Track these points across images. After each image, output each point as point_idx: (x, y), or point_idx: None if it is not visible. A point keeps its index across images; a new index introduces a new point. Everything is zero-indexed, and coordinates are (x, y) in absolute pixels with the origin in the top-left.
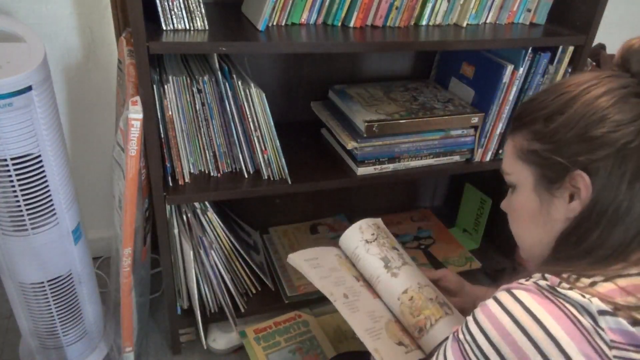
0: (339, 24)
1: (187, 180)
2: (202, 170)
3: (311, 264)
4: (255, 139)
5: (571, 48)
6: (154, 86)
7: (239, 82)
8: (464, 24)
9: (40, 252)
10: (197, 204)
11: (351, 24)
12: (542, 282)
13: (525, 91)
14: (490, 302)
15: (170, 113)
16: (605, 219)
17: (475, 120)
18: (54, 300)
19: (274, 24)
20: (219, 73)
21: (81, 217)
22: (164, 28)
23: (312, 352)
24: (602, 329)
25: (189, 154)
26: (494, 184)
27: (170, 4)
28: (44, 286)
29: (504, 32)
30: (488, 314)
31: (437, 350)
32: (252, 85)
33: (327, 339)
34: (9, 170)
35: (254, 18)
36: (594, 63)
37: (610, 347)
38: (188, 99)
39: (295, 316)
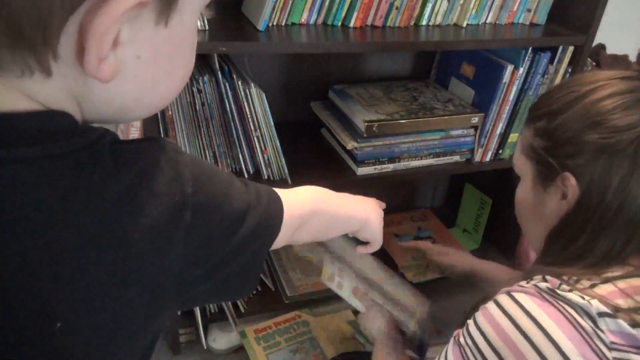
0: (339, 24)
1: None
2: None
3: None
4: (255, 139)
5: (571, 48)
6: None
7: (239, 82)
8: (464, 24)
9: None
10: None
11: (351, 24)
12: (543, 285)
13: (525, 91)
14: (491, 305)
15: (170, 113)
16: (592, 222)
17: (475, 120)
18: None
19: (274, 24)
20: (219, 73)
21: None
22: None
23: (312, 352)
24: (602, 331)
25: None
26: (494, 184)
27: None
28: None
29: (504, 32)
30: (488, 317)
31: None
32: (252, 85)
33: (327, 339)
34: None
35: (254, 18)
36: (594, 63)
37: (610, 349)
38: (188, 99)
39: (295, 316)
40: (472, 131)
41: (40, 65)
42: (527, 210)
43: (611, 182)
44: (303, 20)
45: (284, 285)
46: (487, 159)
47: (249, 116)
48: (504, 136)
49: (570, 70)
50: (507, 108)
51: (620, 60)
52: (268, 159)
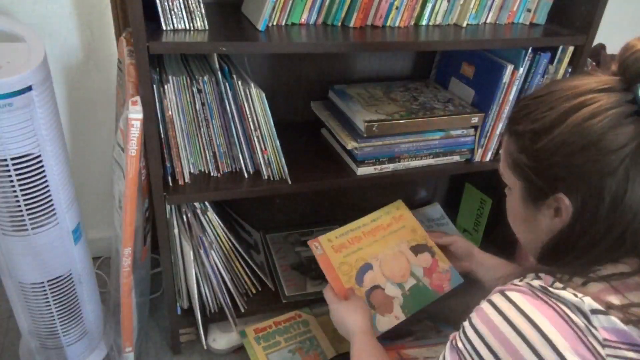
0: (339, 24)
1: (187, 180)
2: (202, 170)
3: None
4: (255, 139)
5: (571, 48)
6: (154, 86)
7: (239, 82)
8: (464, 24)
9: (40, 252)
10: (197, 204)
11: (351, 24)
12: (535, 282)
13: (525, 91)
14: (485, 306)
15: (170, 113)
16: (586, 239)
17: (475, 120)
18: (54, 300)
19: (274, 24)
20: (219, 73)
21: (81, 217)
22: (164, 28)
23: (312, 352)
24: (595, 328)
25: (189, 154)
26: (494, 184)
27: (170, 4)
28: (44, 286)
29: (504, 32)
30: (483, 318)
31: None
32: (252, 85)
33: (327, 339)
34: (9, 170)
35: (254, 18)
36: (594, 63)
37: (604, 346)
38: (188, 99)
39: (295, 316)
40: (472, 131)
41: None
42: (518, 220)
43: (604, 200)
44: (303, 20)
45: (283, 285)
46: (487, 159)
47: (249, 116)
48: (504, 136)
49: (570, 70)
50: (507, 108)
51: None
52: (268, 159)
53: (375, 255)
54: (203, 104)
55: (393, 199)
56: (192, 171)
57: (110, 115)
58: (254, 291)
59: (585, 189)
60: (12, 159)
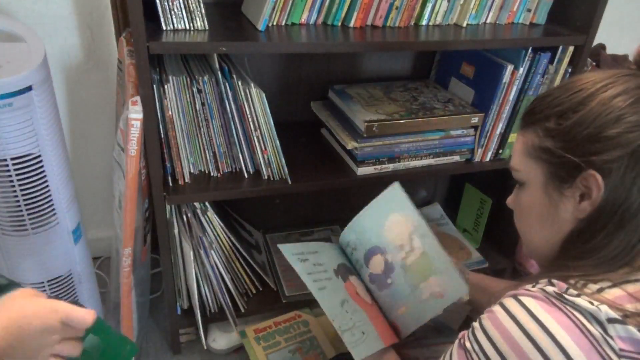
0: (339, 24)
1: (187, 180)
2: (202, 170)
3: (299, 258)
4: (255, 139)
5: (571, 48)
6: (154, 86)
7: (239, 82)
8: (464, 24)
9: (40, 252)
10: (197, 204)
11: (351, 24)
12: (550, 289)
13: (525, 91)
14: (497, 309)
15: (170, 113)
16: (614, 220)
17: (475, 120)
18: None
19: (274, 24)
20: (219, 73)
21: (81, 217)
22: (164, 28)
23: (312, 352)
24: (612, 338)
25: (189, 154)
26: (494, 184)
27: (170, 4)
28: (44, 286)
29: (504, 32)
30: (495, 322)
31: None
32: (252, 85)
33: (327, 339)
34: (9, 170)
35: (254, 18)
36: (594, 63)
37: (620, 356)
38: (188, 99)
39: (295, 316)
40: (472, 131)
41: None
42: (535, 216)
43: (635, 179)
44: (303, 20)
45: (283, 285)
46: (487, 159)
47: (249, 116)
48: (504, 136)
49: (570, 70)
50: (507, 108)
51: (620, 60)
52: (268, 159)
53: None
54: (203, 104)
55: None
56: (192, 171)
57: (110, 115)
58: (254, 291)
59: (619, 162)
60: (12, 159)
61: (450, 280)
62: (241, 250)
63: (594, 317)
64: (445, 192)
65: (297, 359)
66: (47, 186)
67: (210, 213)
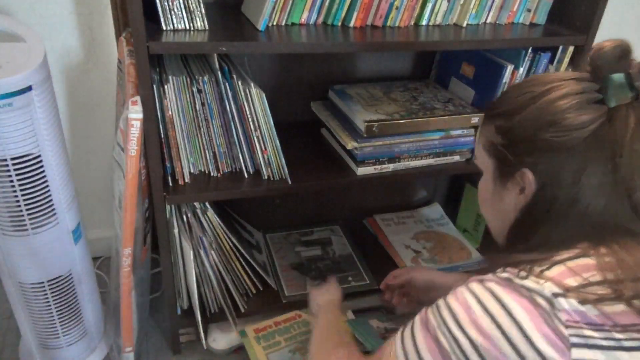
0: (339, 24)
1: (187, 180)
2: (202, 170)
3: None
4: (255, 139)
5: (571, 48)
6: (154, 86)
7: (239, 82)
8: (464, 24)
9: (40, 252)
10: (197, 204)
11: (351, 24)
12: (504, 275)
13: None
14: (463, 290)
15: (170, 113)
16: (548, 216)
17: (475, 120)
18: (54, 300)
19: (274, 24)
20: (219, 73)
21: (81, 217)
22: (164, 28)
23: None
24: (558, 310)
25: (189, 154)
26: None
27: (170, 4)
28: (44, 286)
29: (504, 32)
30: (460, 299)
31: (401, 330)
32: (252, 85)
33: None
34: (9, 170)
35: (254, 18)
36: None
37: (566, 327)
38: (188, 99)
39: (296, 316)
40: (472, 131)
41: None
42: (487, 202)
43: (565, 177)
44: (303, 20)
45: (283, 285)
46: None
47: (249, 116)
48: None
49: (570, 70)
50: None
51: None
52: (268, 159)
53: None
54: (203, 104)
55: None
56: (192, 171)
57: (110, 115)
58: (254, 291)
59: (549, 163)
60: (12, 159)
61: None
62: (241, 250)
63: (540, 295)
64: (445, 192)
65: (297, 359)
66: (47, 186)
67: (210, 213)
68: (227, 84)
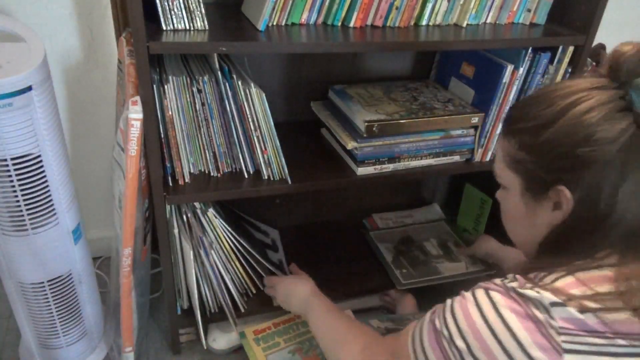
0: (339, 24)
1: (187, 180)
2: (202, 170)
3: None
4: (255, 139)
5: (571, 48)
6: (154, 86)
7: (239, 82)
8: (464, 24)
9: (40, 252)
10: (197, 204)
11: (351, 24)
12: (510, 284)
13: (525, 91)
14: (468, 296)
15: (170, 113)
16: (584, 227)
17: (475, 120)
18: (54, 300)
19: (274, 24)
20: (219, 73)
21: (81, 217)
22: (164, 28)
23: (311, 352)
24: (554, 319)
25: (189, 154)
26: (494, 184)
27: (170, 4)
28: (44, 286)
29: (504, 32)
30: (463, 306)
31: (412, 331)
32: (252, 85)
33: None
34: (9, 170)
35: (254, 18)
36: (594, 63)
37: (560, 333)
38: (188, 99)
39: (295, 317)
40: (472, 131)
41: None
42: (515, 219)
43: (604, 190)
44: (303, 20)
45: None
46: (487, 158)
47: (249, 116)
48: None
49: (570, 70)
50: (507, 108)
51: None
52: (268, 159)
53: None
54: (203, 104)
55: (393, 199)
56: (192, 171)
57: (110, 115)
58: (254, 291)
59: (587, 178)
60: (12, 159)
61: None
62: (250, 250)
63: (539, 304)
64: (445, 192)
65: None
66: (47, 186)
67: (210, 213)
68: (227, 84)
